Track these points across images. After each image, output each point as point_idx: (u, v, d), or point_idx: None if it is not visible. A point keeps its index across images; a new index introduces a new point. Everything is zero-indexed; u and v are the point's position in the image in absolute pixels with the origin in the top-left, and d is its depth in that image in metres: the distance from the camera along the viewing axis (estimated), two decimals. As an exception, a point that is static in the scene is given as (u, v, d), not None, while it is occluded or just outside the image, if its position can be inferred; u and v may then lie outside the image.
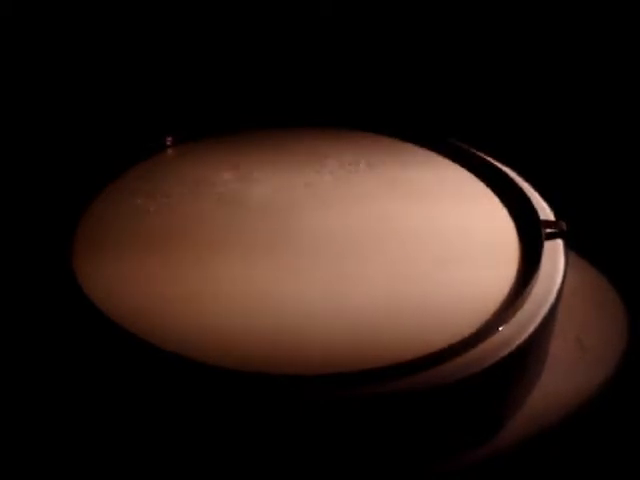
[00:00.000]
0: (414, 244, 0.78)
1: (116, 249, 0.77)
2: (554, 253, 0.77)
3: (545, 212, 0.82)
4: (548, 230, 0.79)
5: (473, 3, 1.05)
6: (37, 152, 0.99)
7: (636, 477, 0.75)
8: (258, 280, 0.73)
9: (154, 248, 0.77)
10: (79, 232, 0.78)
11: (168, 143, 0.92)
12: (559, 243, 0.78)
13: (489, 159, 0.89)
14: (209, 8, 1.04)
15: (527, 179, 0.86)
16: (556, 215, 0.82)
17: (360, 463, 0.66)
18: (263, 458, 0.66)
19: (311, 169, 0.88)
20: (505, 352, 0.67)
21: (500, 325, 0.68)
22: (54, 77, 1.01)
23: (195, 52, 1.05)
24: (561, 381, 0.77)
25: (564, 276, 0.75)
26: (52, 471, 0.69)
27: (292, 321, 0.69)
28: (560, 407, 0.75)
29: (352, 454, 0.66)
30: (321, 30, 1.07)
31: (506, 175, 0.86)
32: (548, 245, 0.77)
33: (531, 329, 0.69)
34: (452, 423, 0.68)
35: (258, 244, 0.78)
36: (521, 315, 0.70)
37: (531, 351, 0.71)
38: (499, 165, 0.88)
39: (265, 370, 0.63)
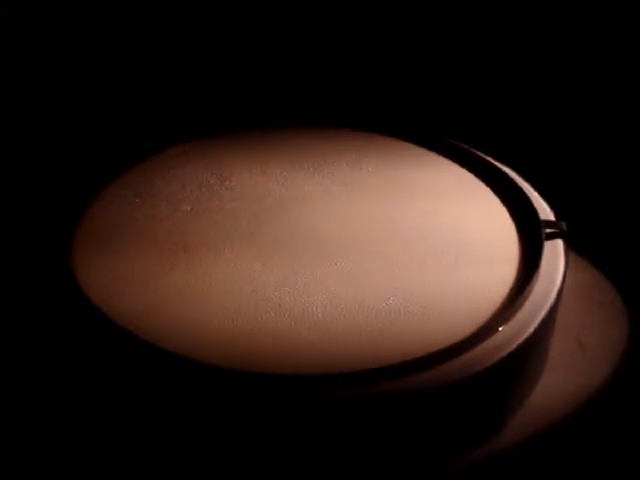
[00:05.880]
0: (414, 244, 0.78)
1: (115, 249, 0.77)
2: (554, 253, 0.77)
3: (545, 212, 0.82)
4: (548, 230, 0.79)
5: (474, 3, 1.05)
6: (37, 152, 0.99)
7: (636, 476, 0.75)
8: (258, 280, 0.73)
9: (153, 248, 0.77)
10: (79, 232, 0.78)
11: (167, 143, 0.92)
12: (559, 243, 0.78)
13: (489, 159, 0.89)
14: (210, 9, 1.04)
15: (527, 179, 0.86)
16: (556, 215, 0.82)
17: (360, 463, 0.66)
18: (263, 458, 0.65)
19: (311, 169, 0.88)
20: (505, 352, 0.67)
21: (500, 325, 0.68)
22: (54, 78, 1.01)
23: (194, 53, 1.05)
24: (561, 381, 0.77)
25: (564, 276, 0.75)
26: (52, 471, 0.69)
27: (292, 321, 0.69)
28: (560, 407, 0.75)
29: (352, 454, 0.66)
30: (322, 30, 1.07)
31: (506, 175, 0.86)
32: (548, 245, 0.77)
33: (531, 329, 0.69)
34: (453, 423, 0.68)
35: (258, 244, 0.78)
36: (521, 315, 0.70)
37: (531, 351, 0.71)
38: (499, 165, 0.88)
39: (265, 370, 0.63)
